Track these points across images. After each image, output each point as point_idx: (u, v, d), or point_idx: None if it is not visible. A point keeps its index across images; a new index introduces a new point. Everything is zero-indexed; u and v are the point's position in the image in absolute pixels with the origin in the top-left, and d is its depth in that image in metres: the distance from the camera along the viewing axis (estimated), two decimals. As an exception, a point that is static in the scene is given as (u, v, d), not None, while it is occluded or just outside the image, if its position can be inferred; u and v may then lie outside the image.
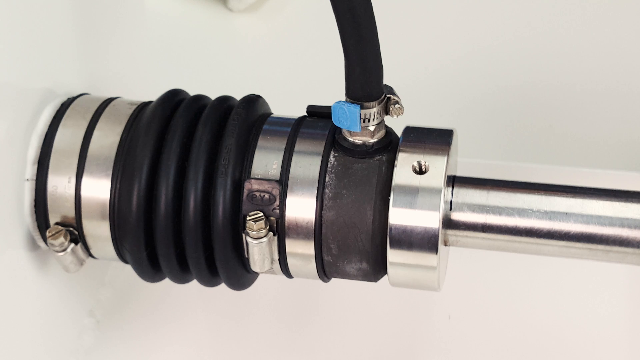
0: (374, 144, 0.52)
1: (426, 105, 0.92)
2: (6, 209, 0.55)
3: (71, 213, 0.56)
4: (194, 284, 0.58)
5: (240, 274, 0.56)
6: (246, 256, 0.54)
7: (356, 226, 0.52)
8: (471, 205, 0.52)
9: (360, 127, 0.51)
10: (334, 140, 0.53)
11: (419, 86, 0.95)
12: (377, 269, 0.54)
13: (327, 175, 0.53)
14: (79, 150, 0.56)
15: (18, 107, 0.56)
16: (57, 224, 0.56)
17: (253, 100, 0.56)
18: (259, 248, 0.52)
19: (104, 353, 0.70)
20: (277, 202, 0.52)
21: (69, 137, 0.56)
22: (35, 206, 0.56)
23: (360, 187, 0.52)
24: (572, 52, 0.99)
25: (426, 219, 0.50)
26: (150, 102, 0.58)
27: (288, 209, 0.52)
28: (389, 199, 0.51)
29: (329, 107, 0.52)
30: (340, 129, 0.53)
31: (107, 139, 0.56)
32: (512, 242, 0.52)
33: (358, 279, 0.55)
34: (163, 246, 0.54)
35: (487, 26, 1.06)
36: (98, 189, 0.55)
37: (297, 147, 0.54)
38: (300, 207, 0.52)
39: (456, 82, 0.99)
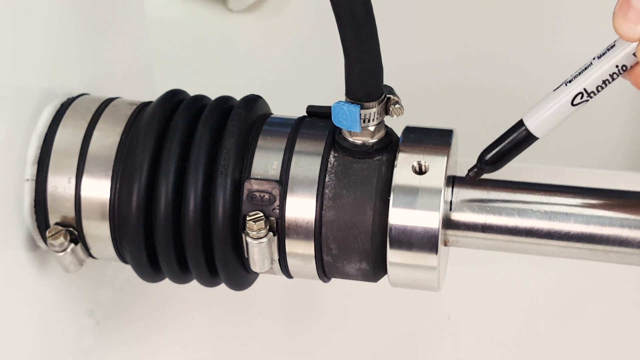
0: (374, 144, 0.52)
1: (426, 105, 0.92)
2: (6, 209, 0.55)
3: (71, 213, 0.56)
4: (194, 284, 0.58)
5: (240, 274, 0.56)
6: (246, 256, 0.54)
7: (356, 226, 0.52)
8: (471, 206, 0.52)
9: (360, 127, 0.51)
10: (334, 140, 0.53)
11: (419, 86, 0.95)
12: (377, 269, 0.54)
13: (327, 175, 0.53)
14: (78, 151, 0.56)
15: (18, 107, 0.56)
16: (57, 224, 0.56)
17: (253, 101, 0.56)
18: (258, 248, 0.52)
19: (104, 353, 0.70)
20: (277, 202, 0.52)
21: (68, 137, 0.56)
22: (35, 206, 0.56)
23: (360, 187, 0.52)
24: (572, 52, 0.99)
25: (426, 219, 0.50)
26: (150, 102, 0.58)
27: (288, 209, 0.52)
28: (388, 199, 0.51)
29: (329, 107, 0.52)
30: (340, 129, 0.53)
31: (107, 139, 0.56)
32: (512, 242, 0.52)
33: (358, 279, 0.55)
34: (163, 246, 0.54)
35: (487, 26, 1.06)
36: (98, 189, 0.55)
37: (297, 148, 0.54)
38: (300, 207, 0.52)
39: (456, 82, 0.99)
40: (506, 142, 0.48)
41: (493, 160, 0.49)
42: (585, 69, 0.45)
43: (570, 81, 0.46)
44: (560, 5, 1.06)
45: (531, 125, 0.47)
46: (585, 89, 0.45)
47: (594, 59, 0.45)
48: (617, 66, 0.44)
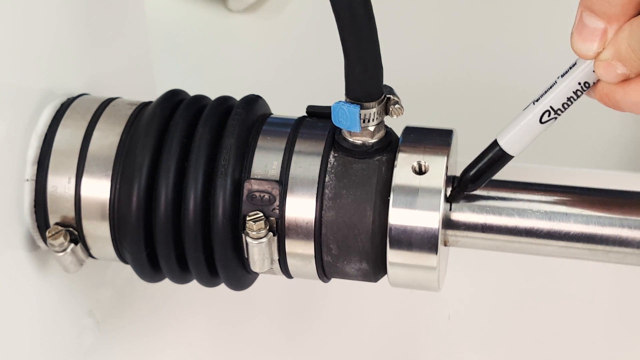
0: (373, 144, 0.52)
1: (426, 105, 0.92)
2: (6, 209, 0.55)
3: (71, 213, 0.56)
4: (194, 284, 0.58)
5: (240, 274, 0.56)
6: (246, 256, 0.54)
7: (356, 226, 0.52)
8: (471, 206, 0.52)
9: (360, 127, 0.51)
10: (334, 140, 0.53)
11: (419, 86, 0.95)
12: (377, 269, 0.54)
13: (327, 175, 0.53)
14: (78, 151, 0.56)
15: (18, 107, 0.56)
16: (57, 224, 0.56)
17: (253, 101, 0.56)
18: (258, 248, 0.52)
19: (104, 353, 0.70)
20: (277, 203, 0.52)
21: (68, 137, 0.56)
22: (35, 206, 0.56)
23: (360, 187, 0.52)
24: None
25: (426, 219, 0.50)
26: (150, 103, 0.58)
27: (288, 209, 0.52)
28: (388, 199, 0.51)
29: (329, 107, 0.52)
30: (340, 129, 0.53)
31: (106, 139, 0.56)
32: (512, 242, 0.52)
33: (358, 279, 0.55)
34: (163, 246, 0.54)
35: (487, 26, 1.06)
36: (98, 189, 0.55)
37: (297, 148, 0.54)
38: (300, 207, 0.52)
39: (456, 82, 0.99)
40: (484, 161, 0.50)
41: (472, 179, 0.51)
42: (551, 87, 0.47)
43: (537, 100, 0.47)
44: (560, 1, 1.06)
45: (505, 145, 0.49)
46: (551, 107, 0.47)
47: (558, 77, 0.47)
48: (579, 83, 0.46)
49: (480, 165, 0.50)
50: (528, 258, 0.56)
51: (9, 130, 0.55)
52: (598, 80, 0.45)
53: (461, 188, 0.51)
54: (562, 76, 0.46)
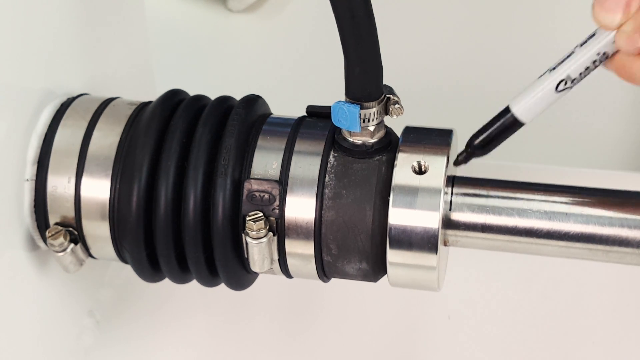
0: (373, 144, 0.52)
1: (426, 105, 0.92)
2: (6, 209, 0.55)
3: (71, 213, 0.56)
4: (194, 284, 0.58)
5: (240, 274, 0.56)
6: (246, 256, 0.54)
7: (356, 226, 0.52)
8: (471, 206, 0.52)
9: (360, 127, 0.51)
10: (334, 140, 0.53)
11: (419, 86, 0.95)
12: (376, 269, 0.54)
13: (326, 175, 0.53)
14: (78, 151, 0.56)
15: (18, 107, 0.56)
16: (56, 224, 0.56)
17: (253, 101, 0.56)
18: (258, 248, 0.52)
19: (104, 353, 0.70)
20: (277, 202, 0.52)
21: (68, 137, 0.56)
22: (35, 206, 0.56)
23: (360, 187, 0.52)
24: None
25: (426, 219, 0.50)
26: (150, 103, 0.58)
27: (288, 209, 0.52)
28: (388, 199, 0.51)
29: (329, 107, 0.52)
30: (340, 129, 0.53)
31: (106, 139, 0.56)
32: (512, 242, 0.52)
33: (358, 279, 0.55)
34: (163, 246, 0.54)
35: (487, 25, 1.06)
36: (98, 189, 0.55)
37: (296, 147, 0.54)
38: (300, 207, 0.52)
39: (456, 81, 0.99)
40: (494, 127, 0.50)
41: (481, 145, 0.51)
42: (569, 56, 0.47)
43: (554, 68, 0.48)
44: (560, 3, 1.06)
45: (517, 112, 0.49)
46: (568, 76, 0.47)
47: (576, 47, 0.47)
48: (598, 53, 0.46)
49: (490, 131, 0.50)
50: (528, 258, 0.56)
51: (9, 130, 0.55)
52: (617, 52, 0.45)
53: (469, 154, 0.51)
54: (580, 45, 0.47)
